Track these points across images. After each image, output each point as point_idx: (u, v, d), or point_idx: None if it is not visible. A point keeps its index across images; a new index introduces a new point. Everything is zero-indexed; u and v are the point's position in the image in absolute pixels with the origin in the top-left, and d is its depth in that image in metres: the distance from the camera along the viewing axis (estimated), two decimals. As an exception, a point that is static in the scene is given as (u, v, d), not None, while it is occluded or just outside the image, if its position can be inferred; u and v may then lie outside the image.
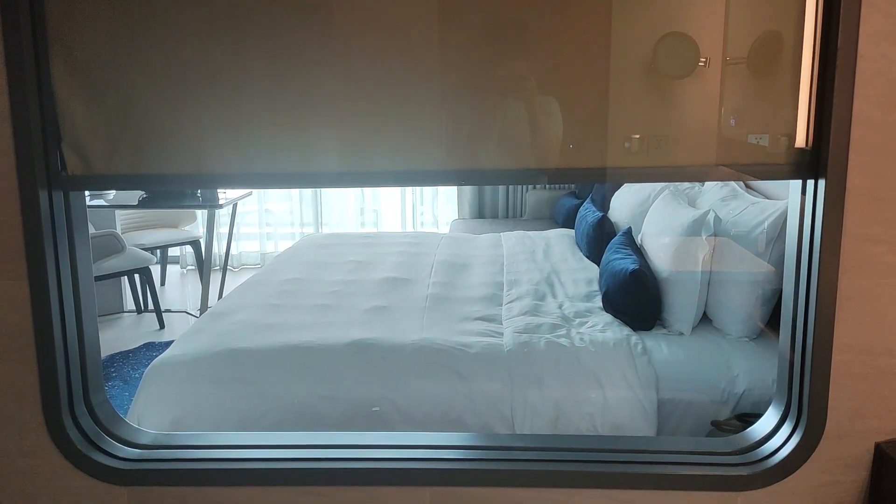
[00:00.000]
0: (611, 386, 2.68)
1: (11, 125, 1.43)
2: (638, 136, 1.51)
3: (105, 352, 4.74)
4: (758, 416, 1.66)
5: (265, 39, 1.46)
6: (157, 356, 2.89)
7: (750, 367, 2.70)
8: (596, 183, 4.82)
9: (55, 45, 1.45)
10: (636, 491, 1.54)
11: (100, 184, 1.54)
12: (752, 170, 1.51)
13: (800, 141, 1.47)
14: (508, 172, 1.53)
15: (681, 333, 3.00)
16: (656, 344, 2.89)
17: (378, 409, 2.68)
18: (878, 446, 1.48)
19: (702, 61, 1.48)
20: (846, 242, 1.42)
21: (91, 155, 1.51)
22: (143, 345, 4.86)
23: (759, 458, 1.55)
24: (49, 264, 1.48)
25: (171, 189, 1.46)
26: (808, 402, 1.48)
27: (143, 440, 1.66)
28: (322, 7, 1.45)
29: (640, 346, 2.84)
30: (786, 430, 1.54)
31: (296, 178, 1.53)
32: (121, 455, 1.59)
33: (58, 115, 1.48)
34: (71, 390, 1.56)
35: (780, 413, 1.57)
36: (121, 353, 4.77)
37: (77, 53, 1.46)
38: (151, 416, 2.66)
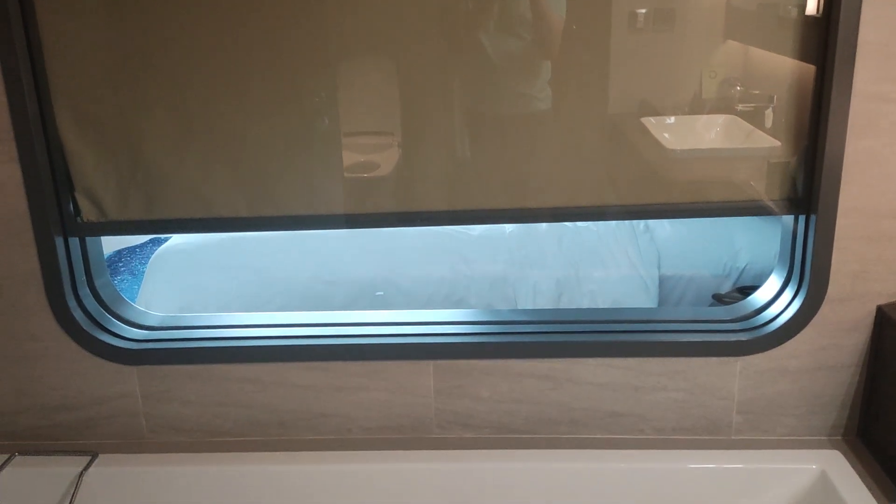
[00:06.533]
0: (613, 264, 2.69)
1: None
2: (644, 10, 1.44)
3: (112, 247, 4.76)
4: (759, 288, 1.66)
5: (268, 86, 1.45)
6: (163, 248, 2.90)
7: (752, 241, 2.70)
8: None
9: (59, 98, 1.47)
10: (635, 358, 1.56)
11: (114, 229, 1.57)
12: (762, 42, 1.46)
13: (810, 8, 1.41)
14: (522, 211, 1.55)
15: (684, 211, 2.98)
16: (658, 222, 2.88)
17: (382, 293, 2.71)
18: (879, 309, 1.49)
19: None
20: (855, 102, 1.37)
21: (104, 202, 1.54)
22: (150, 239, 4.88)
23: (759, 324, 1.56)
24: (37, 143, 1.45)
25: (183, 233, 1.54)
26: (811, 266, 1.47)
27: (150, 322, 1.68)
28: (321, 51, 1.44)
29: (642, 224, 2.83)
30: (787, 295, 1.54)
31: (303, 221, 1.56)
32: (128, 336, 1.62)
33: (68, 164, 1.50)
34: (73, 273, 1.57)
35: (783, 279, 1.57)
36: (128, 247, 4.80)
37: (81, 104, 1.47)
38: (158, 304, 2.69)
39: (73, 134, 1.49)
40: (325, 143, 1.51)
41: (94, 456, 1.59)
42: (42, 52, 1.43)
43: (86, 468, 1.56)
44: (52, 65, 1.45)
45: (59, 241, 1.53)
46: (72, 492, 1.54)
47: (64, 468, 1.57)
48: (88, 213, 1.55)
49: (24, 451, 1.61)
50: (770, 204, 1.52)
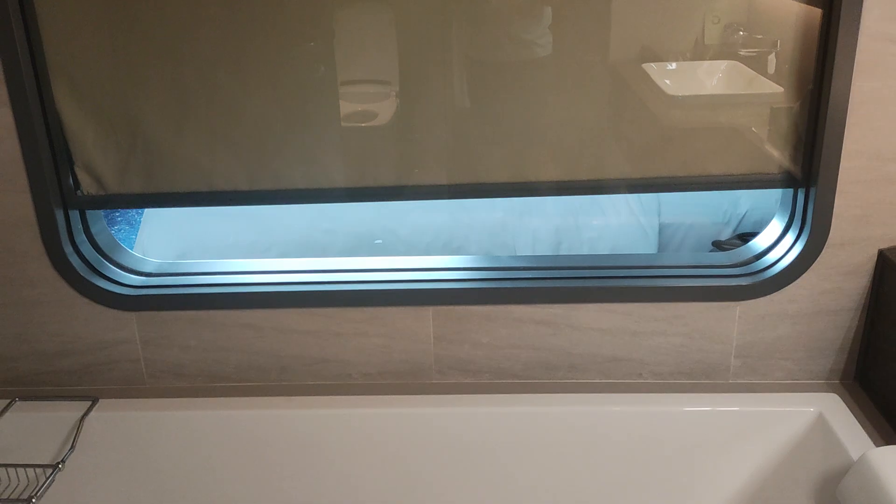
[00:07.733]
0: (613, 212, 2.67)
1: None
2: None
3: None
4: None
5: (264, 59, 1.44)
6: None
7: (753, 189, 2.68)
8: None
9: (56, 73, 1.46)
10: (635, 303, 1.56)
11: (114, 203, 1.57)
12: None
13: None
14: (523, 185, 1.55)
15: (685, 158, 2.96)
16: (660, 169, 2.86)
17: (381, 241, 2.69)
18: (881, 253, 1.48)
19: None
20: (863, 42, 1.34)
21: (103, 175, 1.55)
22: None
23: (760, 269, 1.55)
24: (30, 93, 1.43)
25: (183, 206, 1.56)
26: (813, 210, 1.46)
27: (147, 268, 1.67)
28: (318, 28, 1.43)
29: (643, 172, 2.80)
30: (788, 239, 1.53)
31: (303, 195, 1.55)
32: (125, 282, 1.61)
33: (67, 138, 1.50)
34: (68, 220, 1.55)
35: (784, 224, 1.56)
36: (123, 197, 4.76)
37: (78, 79, 1.47)
38: (156, 252, 2.68)
39: (71, 108, 1.49)
40: (323, 99, 1.48)
41: (95, 401, 1.60)
42: (38, 26, 1.42)
43: (86, 413, 1.57)
44: (49, 39, 1.43)
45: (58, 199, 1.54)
46: (73, 436, 1.55)
47: (65, 413, 1.58)
48: (88, 186, 1.55)
49: (25, 397, 1.62)
50: (773, 152, 1.50)
